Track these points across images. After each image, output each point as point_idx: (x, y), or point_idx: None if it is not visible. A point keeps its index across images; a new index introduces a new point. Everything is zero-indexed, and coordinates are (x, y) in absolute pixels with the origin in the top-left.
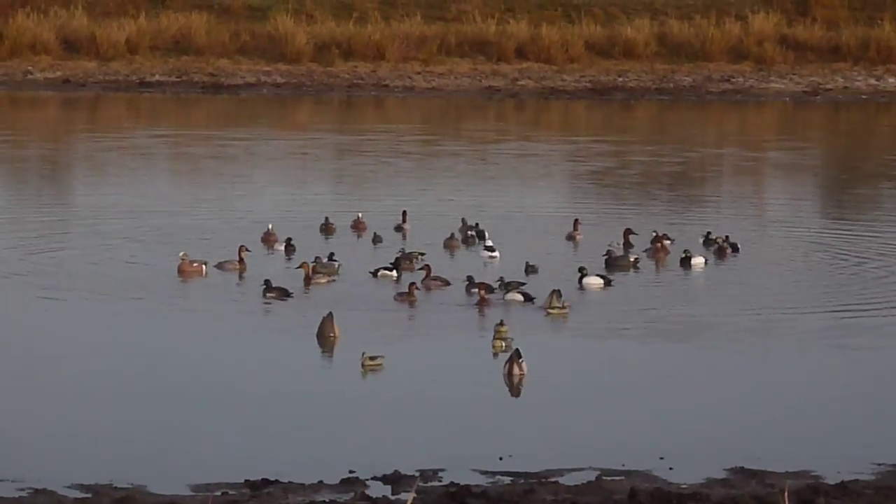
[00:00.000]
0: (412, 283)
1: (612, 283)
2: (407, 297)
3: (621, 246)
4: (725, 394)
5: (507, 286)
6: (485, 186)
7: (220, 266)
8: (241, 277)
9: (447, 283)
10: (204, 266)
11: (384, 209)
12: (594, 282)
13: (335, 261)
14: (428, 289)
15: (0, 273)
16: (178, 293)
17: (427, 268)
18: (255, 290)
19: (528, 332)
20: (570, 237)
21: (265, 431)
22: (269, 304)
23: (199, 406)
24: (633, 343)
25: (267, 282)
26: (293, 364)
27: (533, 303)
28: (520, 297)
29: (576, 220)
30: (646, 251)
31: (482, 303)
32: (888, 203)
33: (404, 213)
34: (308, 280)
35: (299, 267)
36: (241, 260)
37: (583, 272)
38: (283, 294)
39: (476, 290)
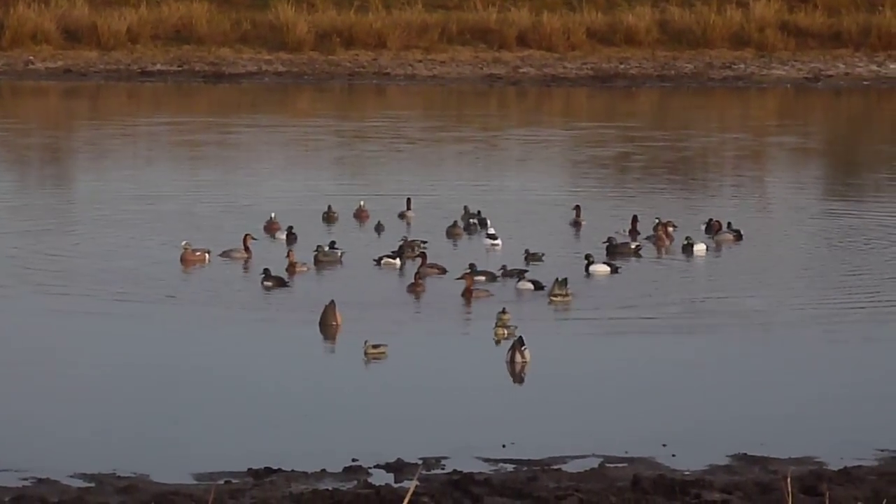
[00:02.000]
0: (417, 273)
1: (619, 270)
2: (415, 289)
3: (627, 233)
4: (728, 380)
5: (516, 274)
6: (487, 174)
7: (225, 254)
8: (246, 266)
9: (444, 271)
10: (207, 255)
11: (386, 197)
12: (601, 269)
13: (337, 249)
14: (423, 277)
15: (0, 263)
16: (180, 282)
17: (423, 255)
18: (258, 279)
19: (531, 319)
20: (574, 224)
21: (268, 420)
22: (269, 293)
23: (201, 395)
24: (636, 330)
25: (266, 270)
26: (295, 352)
27: (543, 290)
28: (530, 286)
29: (577, 207)
30: (648, 238)
31: (468, 293)
32: (891, 188)
33: (408, 200)
34: (293, 268)
35: (287, 256)
36: (246, 248)
37: (590, 259)
38: (281, 283)
39: (464, 278)
